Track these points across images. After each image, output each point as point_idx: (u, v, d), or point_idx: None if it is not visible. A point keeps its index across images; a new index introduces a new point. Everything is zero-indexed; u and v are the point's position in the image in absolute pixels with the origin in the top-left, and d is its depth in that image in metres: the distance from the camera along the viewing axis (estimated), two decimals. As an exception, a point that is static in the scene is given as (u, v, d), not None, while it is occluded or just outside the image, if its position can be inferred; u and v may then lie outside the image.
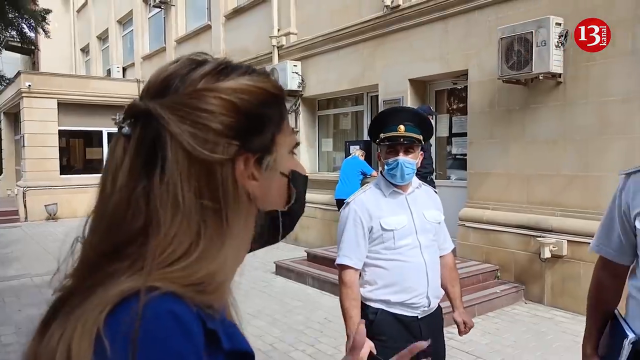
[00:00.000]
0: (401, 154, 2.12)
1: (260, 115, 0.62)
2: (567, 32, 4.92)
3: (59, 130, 13.14)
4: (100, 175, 0.62)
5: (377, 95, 7.33)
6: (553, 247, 5.03)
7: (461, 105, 6.62)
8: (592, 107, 4.87)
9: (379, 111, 2.18)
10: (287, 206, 0.70)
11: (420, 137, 2.15)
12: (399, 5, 6.68)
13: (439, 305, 2.24)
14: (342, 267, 2.16)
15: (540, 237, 5.15)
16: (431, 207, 2.28)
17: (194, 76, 0.60)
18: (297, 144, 0.72)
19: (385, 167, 2.16)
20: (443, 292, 2.26)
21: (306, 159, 8.82)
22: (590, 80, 4.87)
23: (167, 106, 0.58)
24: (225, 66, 0.63)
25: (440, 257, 2.29)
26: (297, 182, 0.71)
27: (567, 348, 4.12)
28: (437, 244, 2.28)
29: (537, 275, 5.28)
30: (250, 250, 0.70)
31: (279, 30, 8.98)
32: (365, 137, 7.93)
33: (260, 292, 5.92)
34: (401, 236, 2.14)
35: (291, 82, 8.39)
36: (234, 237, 0.62)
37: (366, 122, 8.01)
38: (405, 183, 2.18)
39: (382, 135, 2.16)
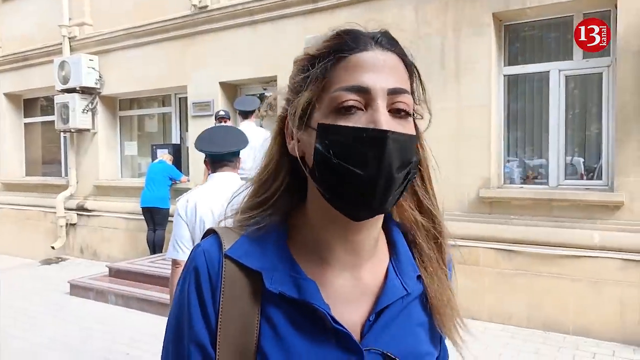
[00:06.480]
0: None
1: (298, 76, 0.72)
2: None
3: None
4: None
5: (187, 96, 7.02)
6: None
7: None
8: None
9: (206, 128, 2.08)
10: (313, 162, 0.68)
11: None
12: (207, 6, 6.50)
13: None
14: None
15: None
16: None
17: None
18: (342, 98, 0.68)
19: None
20: None
21: (106, 164, 7.98)
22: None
23: None
24: None
25: None
26: (330, 134, 0.66)
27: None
28: None
29: None
30: (338, 208, 0.67)
31: (70, 19, 7.97)
32: (175, 140, 7.54)
33: (52, 317, 5.10)
34: None
35: (86, 78, 7.50)
36: (310, 185, 0.72)
37: (174, 124, 7.62)
38: None
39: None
